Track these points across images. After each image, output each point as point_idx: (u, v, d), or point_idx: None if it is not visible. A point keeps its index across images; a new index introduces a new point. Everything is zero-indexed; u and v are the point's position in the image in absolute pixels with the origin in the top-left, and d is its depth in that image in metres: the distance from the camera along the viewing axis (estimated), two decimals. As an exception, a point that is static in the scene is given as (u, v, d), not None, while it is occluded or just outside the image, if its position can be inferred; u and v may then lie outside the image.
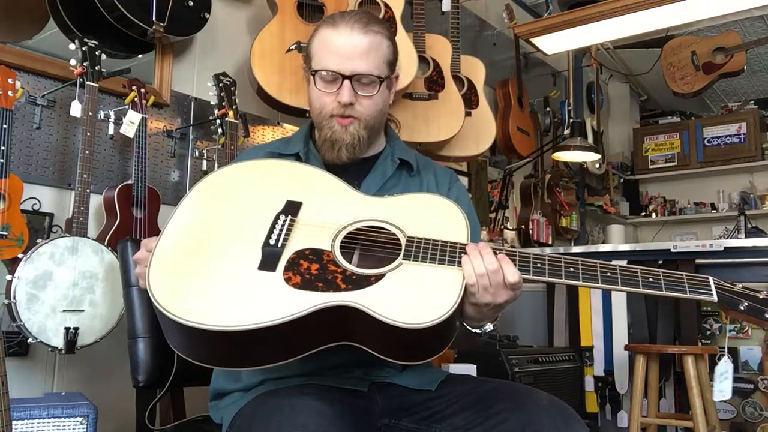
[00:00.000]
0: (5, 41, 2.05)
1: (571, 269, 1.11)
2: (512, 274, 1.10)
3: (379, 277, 1.09)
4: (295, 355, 1.08)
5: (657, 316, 2.99)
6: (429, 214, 1.21)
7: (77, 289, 1.87)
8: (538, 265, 1.12)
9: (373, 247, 1.19)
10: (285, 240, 1.15)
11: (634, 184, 6.51)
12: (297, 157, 1.40)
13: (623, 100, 6.51)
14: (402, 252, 1.13)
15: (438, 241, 1.14)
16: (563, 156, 4.22)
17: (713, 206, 6.08)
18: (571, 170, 5.18)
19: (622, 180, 6.40)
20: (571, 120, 4.57)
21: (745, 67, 4.74)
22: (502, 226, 4.19)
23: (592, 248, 3.51)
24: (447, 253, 1.12)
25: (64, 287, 1.86)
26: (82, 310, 1.88)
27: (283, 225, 1.18)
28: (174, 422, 1.53)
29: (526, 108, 4.26)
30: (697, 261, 2.96)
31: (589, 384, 3.05)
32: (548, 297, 3.33)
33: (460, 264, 1.10)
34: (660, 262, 3.03)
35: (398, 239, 1.16)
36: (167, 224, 1.19)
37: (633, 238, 6.29)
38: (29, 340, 1.83)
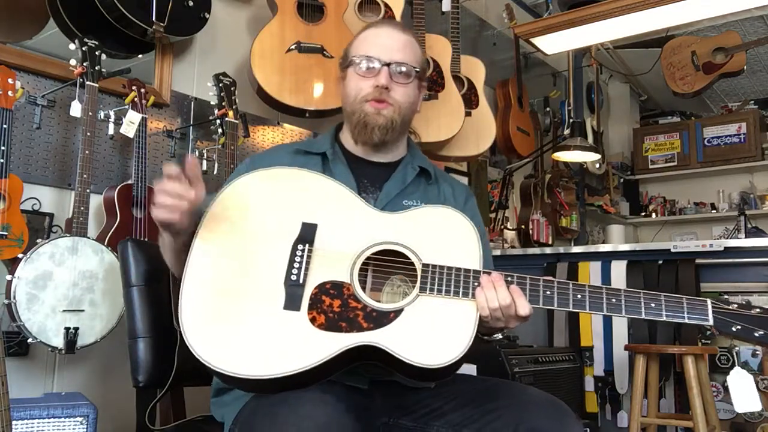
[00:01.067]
0: (5, 41, 2.05)
1: (579, 296, 1.16)
2: (524, 307, 1.15)
3: (397, 313, 1.15)
4: (323, 378, 1.14)
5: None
6: (442, 231, 1.24)
7: (77, 289, 1.87)
8: (548, 293, 1.17)
9: (389, 271, 1.23)
10: (306, 274, 1.18)
11: (634, 184, 6.51)
12: (323, 156, 1.42)
13: (623, 100, 6.51)
14: (418, 283, 1.17)
15: (452, 268, 1.18)
16: (563, 156, 4.22)
17: (713, 206, 6.08)
18: (571, 170, 5.18)
19: (622, 180, 6.40)
20: (571, 120, 4.57)
21: (745, 67, 4.73)
22: (502, 226, 4.19)
23: (592, 248, 3.51)
24: (461, 285, 1.17)
25: (64, 287, 1.86)
26: (82, 310, 1.88)
27: (302, 256, 1.20)
28: (174, 422, 1.53)
29: (526, 108, 4.26)
30: (697, 261, 2.96)
31: (589, 384, 3.05)
32: (548, 297, 3.33)
33: (474, 296, 1.16)
34: (660, 262, 3.03)
35: (413, 264, 1.20)
36: (190, 258, 1.19)
37: (633, 238, 6.29)
38: (29, 340, 1.83)
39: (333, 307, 1.16)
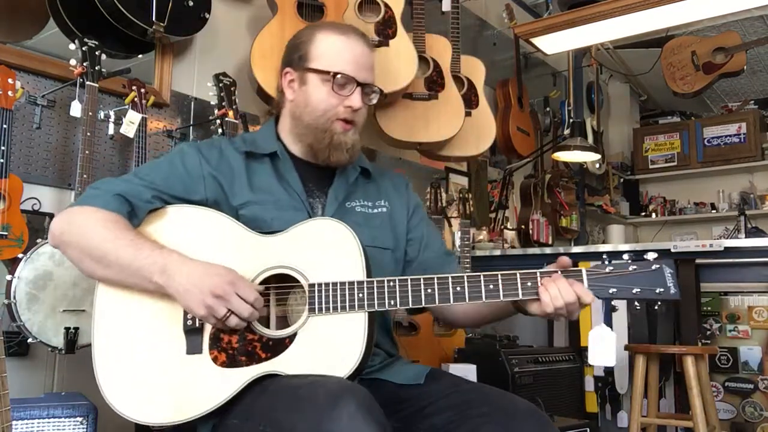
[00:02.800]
0: (5, 41, 2.05)
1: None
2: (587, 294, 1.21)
3: (292, 338, 1.21)
4: None
5: (657, 315, 2.99)
6: (325, 245, 1.26)
7: (77, 289, 1.87)
8: (419, 290, 1.22)
9: (284, 294, 1.27)
10: None
11: (634, 184, 6.51)
12: (274, 156, 1.42)
13: (623, 100, 6.51)
14: (307, 305, 1.22)
15: (337, 284, 1.21)
16: (563, 156, 4.22)
17: (713, 206, 6.08)
18: (571, 170, 5.18)
19: (622, 180, 6.40)
20: (571, 120, 4.57)
21: (745, 67, 4.73)
22: (502, 226, 4.19)
23: (592, 248, 3.51)
24: (347, 299, 1.21)
25: (64, 287, 1.85)
26: (83, 310, 1.88)
27: None
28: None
29: (526, 108, 4.26)
30: (697, 261, 2.96)
31: (589, 384, 3.05)
32: (548, 297, 3.34)
33: (360, 308, 1.20)
34: (660, 262, 3.03)
35: (302, 286, 1.23)
36: (96, 308, 1.24)
37: (633, 238, 6.29)
38: (29, 340, 1.83)
39: (232, 343, 1.20)
